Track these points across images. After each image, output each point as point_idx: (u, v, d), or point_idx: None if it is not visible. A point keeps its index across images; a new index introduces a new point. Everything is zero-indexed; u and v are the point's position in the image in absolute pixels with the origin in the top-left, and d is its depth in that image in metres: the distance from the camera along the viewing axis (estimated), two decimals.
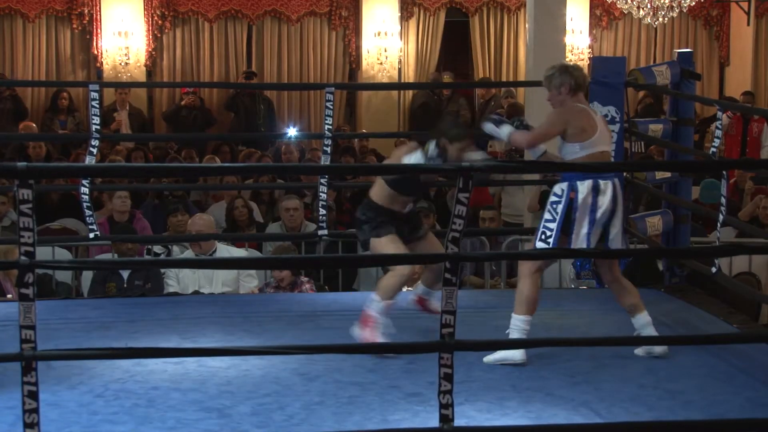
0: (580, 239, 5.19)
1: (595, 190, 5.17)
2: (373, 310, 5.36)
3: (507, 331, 5.21)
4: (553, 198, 5.25)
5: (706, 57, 15.53)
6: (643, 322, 5.36)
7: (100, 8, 13.88)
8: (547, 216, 5.24)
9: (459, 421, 3.83)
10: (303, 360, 5.13)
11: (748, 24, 15.03)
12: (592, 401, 4.65)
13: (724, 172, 6.29)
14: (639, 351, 5.30)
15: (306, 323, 6.08)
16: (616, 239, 5.29)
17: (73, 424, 4.32)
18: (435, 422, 3.81)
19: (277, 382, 4.87)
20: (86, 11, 13.91)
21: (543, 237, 5.23)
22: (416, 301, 5.87)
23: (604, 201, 5.18)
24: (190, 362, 5.08)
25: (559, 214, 5.19)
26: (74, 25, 14.02)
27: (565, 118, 5.30)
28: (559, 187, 5.23)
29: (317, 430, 4.28)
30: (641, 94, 13.04)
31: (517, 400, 4.65)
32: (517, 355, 5.12)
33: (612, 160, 5.42)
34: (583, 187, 5.17)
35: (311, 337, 5.70)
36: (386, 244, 5.43)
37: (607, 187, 5.19)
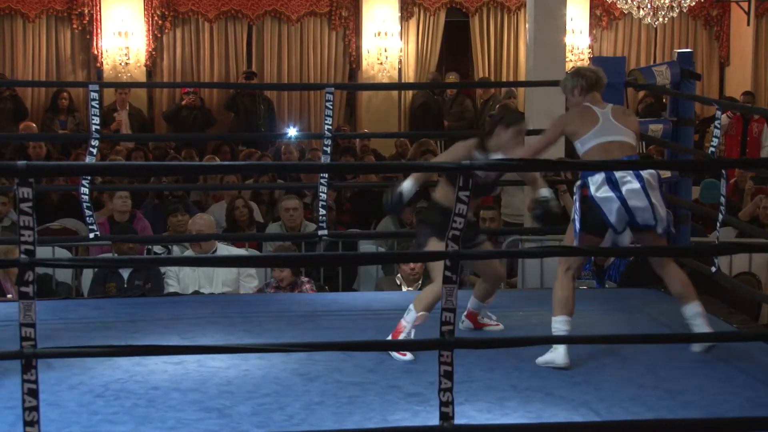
0: (610, 232, 5.16)
1: (610, 182, 5.10)
2: (405, 320, 5.35)
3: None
4: (575, 204, 5.26)
5: (706, 57, 15.54)
6: (692, 313, 5.27)
7: (100, 8, 13.90)
8: (573, 216, 5.26)
9: (459, 421, 3.83)
10: (303, 360, 5.13)
11: (748, 24, 15.04)
12: (592, 401, 4.65)
13: (724, 172, 6.29)
14: (696, 347, 5.23)
15: (306, 323, 6.08)
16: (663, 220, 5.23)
17: (73, 424, 4.31)
18: (435, 421, 3.81)
19: (277, 382, 4.87)
20: (86, 11, 13.93)
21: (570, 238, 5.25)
22: (467, 316, 5.83)
23: (631, 189, 5.09)
24: (190, 362, 5.08)
25: (577, 212, 5.20)
26: (74, 25, 14.03)
27: (562, 123, 5.36)
28: (576, 187, 5.23)
29: (317, 430, 4.28)
30: (641, 93, 13.05)
31: (517, 400, 4.65)
32: (559, 358, 5.09)
33: (631, 148, 5.32)
34: (594, 180, 5.13)
35: (311, 337, 5.69)
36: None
37: (626, 175, 5.10)
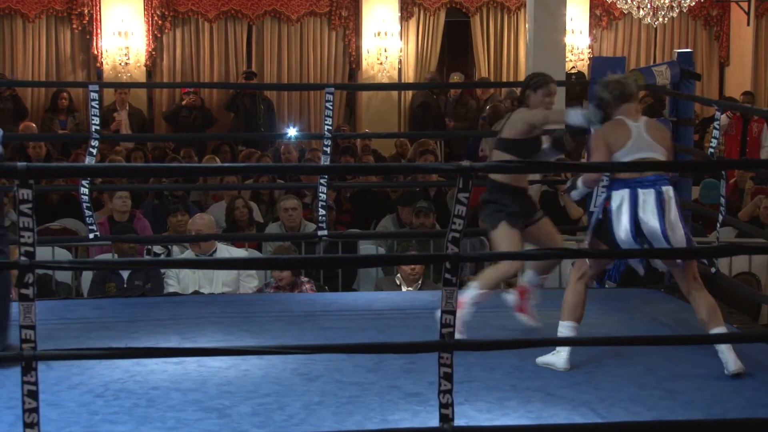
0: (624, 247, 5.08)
1: (633, 200, 5.01)
2: (466, 295, 5.37)
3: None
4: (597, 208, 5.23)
5: (706, 57, 15.54)
6: None
7: (100, 8, 13.90)
8: (591, 225, 5.23)
9: (459, 421, 3.83)
10: (303, 360, 5.13)
11: (748, 24, 15.05)
12: (592, 401, 4.65)
13: (724, 172, 6.28)
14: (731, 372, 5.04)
15: (306, 323, 6.08)
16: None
17: (73, 424, 4.32)
18: (435, 422, 3.81)
19: (277, 382, 4.87)
20: (86, 11, 13.92)
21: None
22: (519, 290, 5.83)
23: (647, 216, 4.99)
24: (190, 362, 5.08)
25: (592, 224, 5.18)
26: (74, 25, 14.03)
27: (602, 137, 5.19)
28: (601, 200, 5.19)
29: (317, 430, 4.28)
30: (641, 93, 13.03)
31: (517, 400, 4.65)
32: (560, 362, 5.09)
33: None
34: (617, 195, 5.05)
35: (311, 337, 5.71)
36: (502, 237, 5.45)
37: (648, 197, 5.01)
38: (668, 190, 5.07)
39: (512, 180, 5.55)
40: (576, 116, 5.43)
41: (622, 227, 5.03)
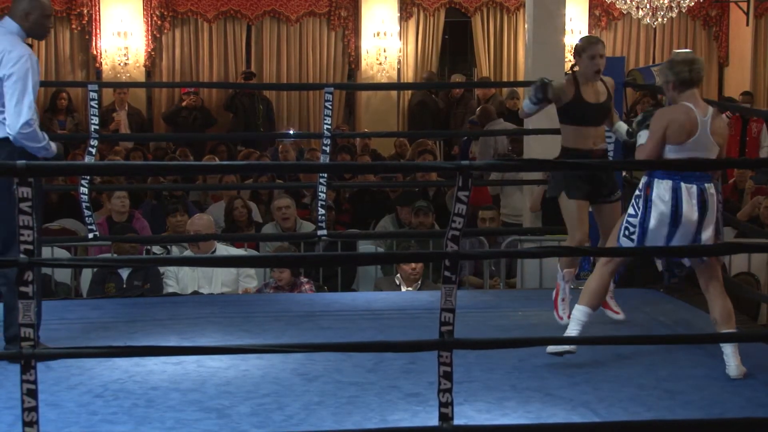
0: (657, 239, 5.01)
1: (675, 193, 4.94)
2: (557, 279, 5.74)
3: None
4: (636, 192, 5.12)
5: (705, 57, 15.52)
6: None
7: (99, 8, 13.90)
8: (630, 211, 5.11)
9: (458, 421, 3.83)
10: (302, 360, 5.13)
11: (747, 24, 15.06)
12: (591, 401, 4.65)
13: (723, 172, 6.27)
14: (732, 373, 5.01)
15: (305, 323, 6.08)
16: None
17: (72, 424, 4.31)
18: (434, 422, 3.81)
19: (277, 382, 4.87)
20: (85, 11, 13.92)
21: (626, 233, 5.09)
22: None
23: (689, 209, 4.94)
24: (190, 362, 5.07)
25: (641, 208, 5.04)
26: (73, 26, 14.03)
27: (665, 123, 5.00)
28: (642, 183, 5.09)
29: (316, 430, 4.28)
30: (639, 93, 13.05)
31: (516, 400, 4.65)
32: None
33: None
34: (661, 185, 4.97)
35: (311, 337, 5.70)
36: (570, 208, 5.60)
37: (691, 192, 4.94)
38: (710, 187, 5.00)
39: (572, 142, 5.69)
40: (526, 105, 5.69)
41: (658, 215, 4.97)
